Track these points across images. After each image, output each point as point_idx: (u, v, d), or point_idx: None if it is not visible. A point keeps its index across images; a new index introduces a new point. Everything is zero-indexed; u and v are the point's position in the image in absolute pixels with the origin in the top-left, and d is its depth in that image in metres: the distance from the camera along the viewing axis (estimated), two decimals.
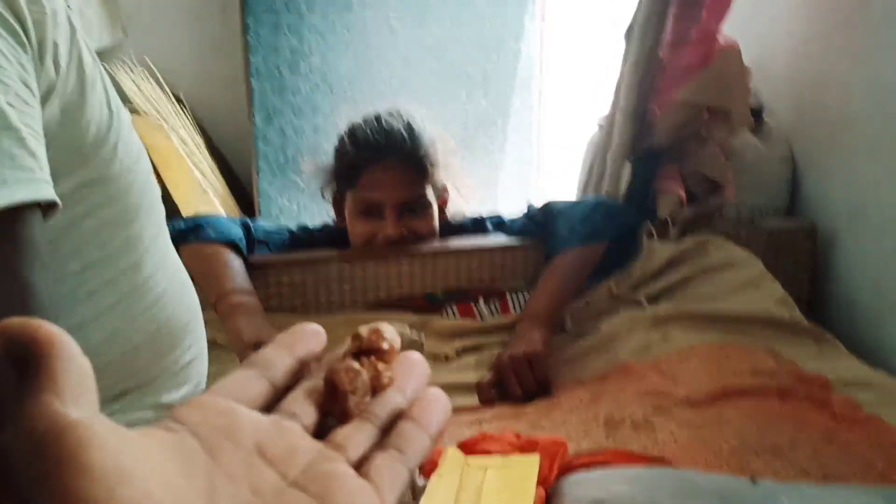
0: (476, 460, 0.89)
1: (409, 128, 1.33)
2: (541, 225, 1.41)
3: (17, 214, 0.51)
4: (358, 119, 1.36)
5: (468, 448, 0.92)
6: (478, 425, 1.07)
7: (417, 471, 0.89)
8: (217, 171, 2.11)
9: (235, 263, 1.25)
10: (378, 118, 1.34)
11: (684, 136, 1.46)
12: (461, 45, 2.31)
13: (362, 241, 1.36)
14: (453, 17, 2.28)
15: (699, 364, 1.18)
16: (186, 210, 1.98)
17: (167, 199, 1.98)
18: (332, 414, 0.32)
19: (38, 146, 0.53)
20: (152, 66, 2.07)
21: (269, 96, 2.07)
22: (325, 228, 1.47)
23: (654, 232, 1.42)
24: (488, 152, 2.44)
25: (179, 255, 0.82)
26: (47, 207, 0.54)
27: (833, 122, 1.48)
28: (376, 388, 0.33)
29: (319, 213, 1.46)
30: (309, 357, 0.34)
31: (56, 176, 0.62)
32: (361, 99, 2.12)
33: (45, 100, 0.57)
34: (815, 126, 1.54)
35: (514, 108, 2.46)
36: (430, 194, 1.36)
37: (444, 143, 1.39)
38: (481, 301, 1.38)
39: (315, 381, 0.33)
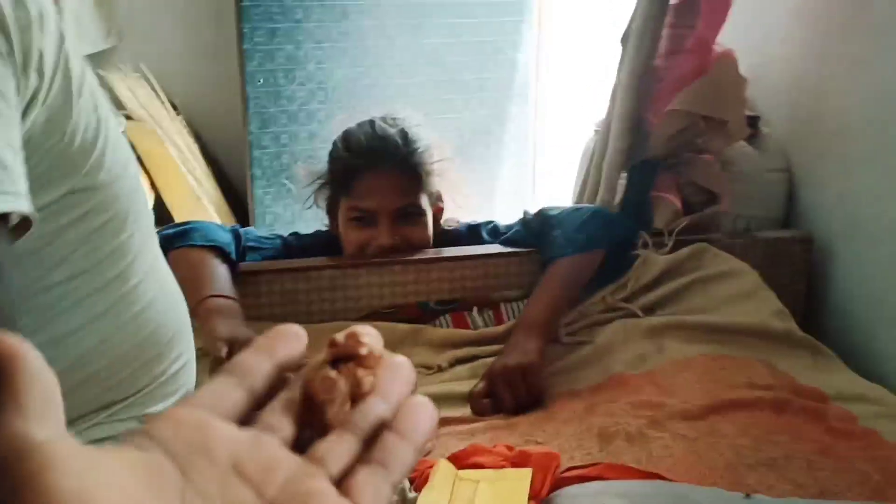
0: (468, 474, 0.88)
1: (404, 135, 1.32)
2: (536, 232, 1.40)
3: None
4: (352, 126, 1.35)
5: (460, 461, 0.92)
6: (470, 437, 1.06)
7: (409, 483, 0.88)
8: (211, 178, 2.10)
9: (219, 269, 1.23)
10: (372, 124, 1.33)
11: (680, 145, 1.46)
12: (458, 54, 2.31)
13: (355, 248, 1.35)
14: (450, 26, 2.28)
15: (694, 376, 1.17)
16: (180, 216, 1.97)
17: (160, 205, 1.98)
18: (310, 426, 0.30)
19: (13, 158, 0.52)
20: (147, 71, 2.07)
21: (264, 103, 2.07)
22: (317, 235, 1.46)
23: (649, 242, 1.41)
24: (485, 160, 2.44)
25: (167, 261, 0.81)
26: (22, 221, 0.52)
27: (829, 131, 1.48)
28: (357, 395, 0.31)
29: (314, 220, 1.45)
30: (289, 360, 0.32)
31: (42, 185, 0.61)
32: (357, 106, 2.12)
33: (28, 109, 0.56)
34: (812, 136, 1.54)
35: (511, 116, 2.47)
36: (425, 202, 1.35)
37: (439, 151, 1.38)
38: (475, 310, 1.37)
39: (293, 391, 0.31)
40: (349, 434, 0.30)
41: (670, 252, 1.40)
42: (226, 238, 1.29)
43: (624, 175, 1.49)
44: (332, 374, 0.31)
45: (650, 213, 1.46)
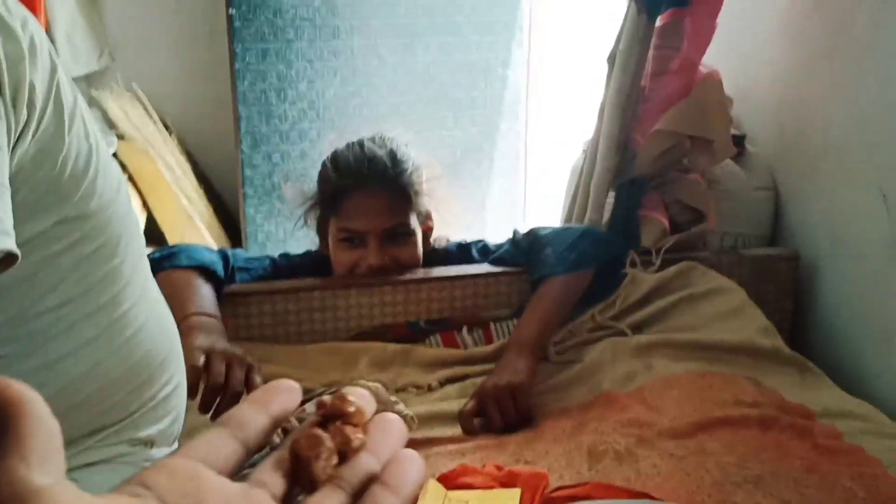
0: (457, 494, 0.88)
1: (392, 155, 1.33)
2: (525, 251, 1.41)
3: None
4: (341, 146, 1.36)
5: (449, 481, 0.92)
6: (460, 456, 1.07)
7: None
8: (203, 197, 2.11)
9: (203, 288, 1.24)
10: (361, 145, 1.34)
11: (667, 164, 1.47)
12: (449, 72, 2.33)
13: (345, 269, 1.36)
14: (441, 44, 2.30)
15: (682, 393, 1.18)
16: (172, 235, 1.98)
17: (153, 224, 1.98)
18: (300, 483, 0.31)
19: None
20: (139, 91, 2.08)
21: (256, 122, 2.08)
22: (307, 256, 1.46)
23: (637, 260, 1.42)
24: (476, 178, 2.46)
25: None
26: (7, 256, 0.53)
27: (814, 150, 1.50)
28: (347, 453, 0.32)
29: (306, 240, 1.46)
30: (283, 414, 0.33)
31: (34, 214, 0.61)
32: (349, 125, 2.13)
33: (18, 141, 0.57)
34: (797, 154, 1.56)
35: (502, 134, 2.48)
36: (414, 222, 1.36)
37: (428, 170, 1.39)
38: (465, 330, 1.38)
39: (284, 451, 0.32)
40: (339, 490, 0.31)
41: (658, 270, 1.41)
42: (212, 258, 1.30)
43: (611, 194, 1.50)
44: (318, 431, 0.32)
45: (637, 232, 1.47)
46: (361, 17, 2.16)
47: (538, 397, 1.22)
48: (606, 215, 1.49)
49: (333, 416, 0.33)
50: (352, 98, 2.20)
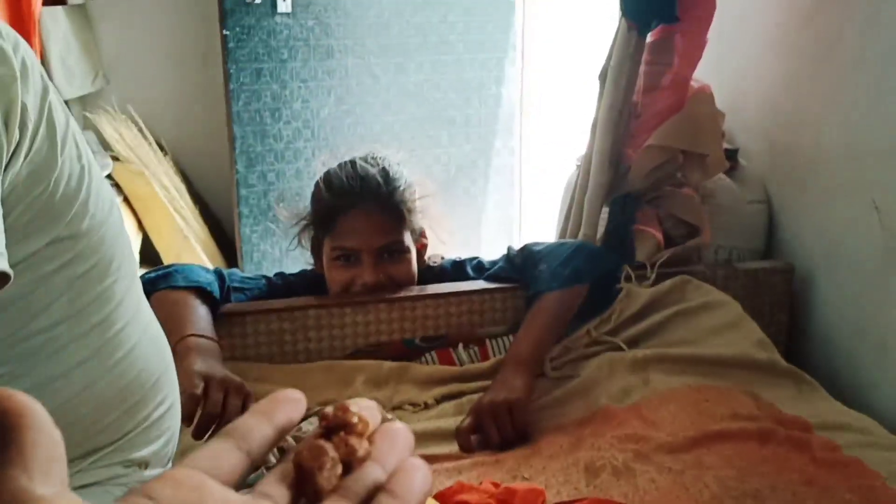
0: None
1: (385, 173, 1.33)
2: (520, 268, 1.41)
3: None
4: (334, 165, 1.36)
5: (446, 499, 0.92)
6: (457, 474, 1.06)
7: None
8: (199, 217, 2.11)
9: (200, 309, 1.24)
10: (353, 164, 1.34)
11: (660, 179, 1.48)
12: (442, 90, 2.34)
13: (340, 287, 1.36)
14: (434, 63, 2.31)
15: (679, 408, 1.18)
16: (167, 256, 1.98)
17: (149, 245, 1.98)
18: (304, 494, 0.31)
19: None
20: (134, 112, 2.08)
21: (250, 142, 2.09)
22: (302, 275, 1.46)
23: (632, 275, 1.42)
24: (471, 195, 2.46)
25: (149, 303, 0.82)
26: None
27: (806, 163, 1.51)
28: (351, 463, 0.32)
29: (302, 259, 1.46)
30: (288, 425, 0.33)
31: (26, 234, 0.62)
32: (343, 144, 2.14)
33: (10, 163, 0.57)
34: (789, 167, 1.56)
35: (496, 150, 2.49)
36: (408, 239, 1.36)
37: (422, 188, 1.40)
38: (460, 347, 1.38)
39: (288, 463, 0.32)
40: (343, 500, 0.31)
41: (653, 285, 1.41)
42: (208, 278, 1.30)
43: (605, 209, 1.51)
44: (321, 442, 0.32)
45: (632, 247, 1.47)
46: (355, 37, 2.18)
47: (535, 413, 1.22)
48: (600, 230, 1.49)
49: (336, 427, 0.33)
50: (346, 117, 2.21)
